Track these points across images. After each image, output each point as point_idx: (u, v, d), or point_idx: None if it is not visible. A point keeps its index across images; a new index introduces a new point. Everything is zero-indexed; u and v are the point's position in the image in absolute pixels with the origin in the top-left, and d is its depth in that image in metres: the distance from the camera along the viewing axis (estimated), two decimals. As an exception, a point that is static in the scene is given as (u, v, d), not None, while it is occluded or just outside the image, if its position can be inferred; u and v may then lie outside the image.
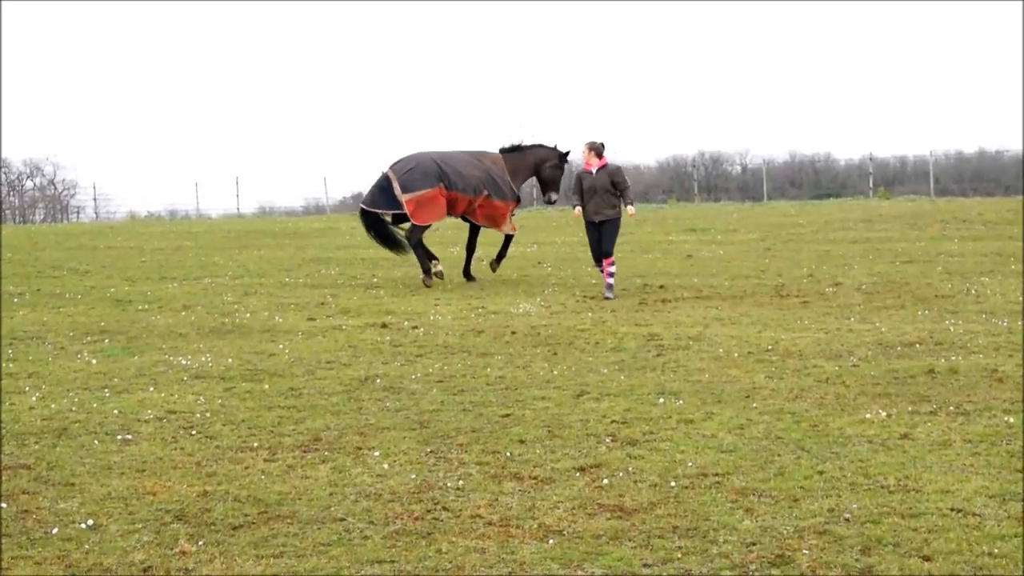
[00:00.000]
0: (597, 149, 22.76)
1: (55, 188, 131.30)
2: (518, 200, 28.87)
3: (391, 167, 28.61)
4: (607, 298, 22.68)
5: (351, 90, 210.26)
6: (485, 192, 27.53)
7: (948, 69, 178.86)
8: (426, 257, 28.22)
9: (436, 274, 28.07)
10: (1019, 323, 17.84)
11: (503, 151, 29.07)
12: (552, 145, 29.01)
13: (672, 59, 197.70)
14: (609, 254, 22.66)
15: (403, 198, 27.75)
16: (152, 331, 20.70)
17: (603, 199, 22.54)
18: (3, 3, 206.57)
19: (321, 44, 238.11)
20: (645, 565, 7.72)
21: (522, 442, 11.32)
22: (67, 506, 9.55)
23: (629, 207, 23.14)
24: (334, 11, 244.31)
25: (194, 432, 12.24)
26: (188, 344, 18.83)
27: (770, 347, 16.42)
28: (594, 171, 22.59)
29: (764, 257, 31.90)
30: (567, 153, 28.73)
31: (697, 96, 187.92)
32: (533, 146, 28.85)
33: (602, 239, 22.74)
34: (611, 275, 22.90)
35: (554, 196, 29.14)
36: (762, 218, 54.96)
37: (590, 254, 23.37)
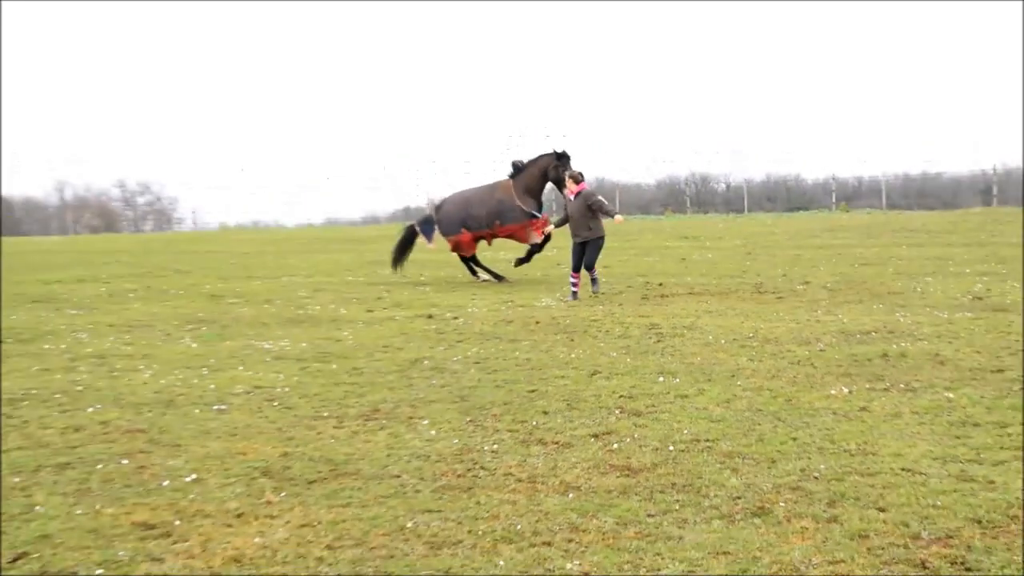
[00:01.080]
0: (575, 177, 22.68)
1: (161, 203, 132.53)
2: (533, 215, 28.05)
3: (435, 211, 29.33)
4: (595, 290, 23.00)
5: (402, 117, 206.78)
6: (497, 222, 28.08)
7: (894, 104, 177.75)
8: (477, 270, 29.19)
9: (486, 279, 28.55)
10: (957, 315, 17.82)
11: (511, 176, 28.67)
12: (549, 152, 28.05)
13: (670, 94, 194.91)
14: (590, 268, 22.80)
15: (447, 239, 28.92)
16: (240, 320, 20.73)
17: (581, 222, 22.33)
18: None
19: (371, 78, 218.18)
20: (649, 515, 7.73)
21: (545, 413, 11.33)
22: (174, 463, 9.63)
23: (616, 216, 22.82)
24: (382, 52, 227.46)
25: (276, 403, 12.29)
26: (270, 331, 18.86)
27: (751, 335, 16.39)
28: (572, 197, 22.51)
29: (745, 260, 31.82)
30: (563, 152, 27.40)
31: (689, 125, 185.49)
32: (533, 160, 28.31)
33: (586, 255, 22.59)
34: (596, 276, 23.22)
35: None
36: (743, 228, 54.86)
37: (571, 269, 22.93)
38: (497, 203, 28.13)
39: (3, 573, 4.70)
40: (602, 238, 22.56)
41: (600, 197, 22.65)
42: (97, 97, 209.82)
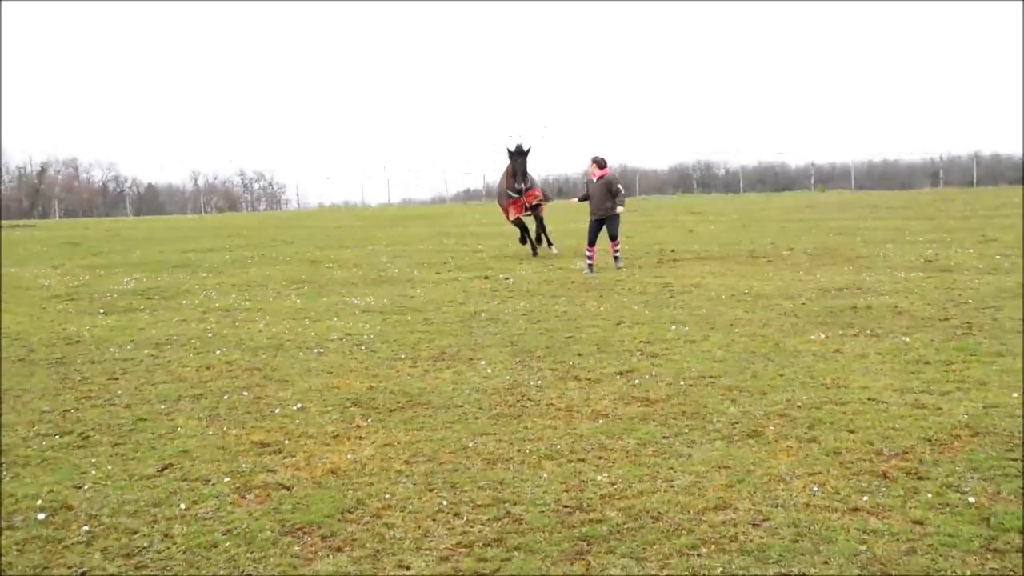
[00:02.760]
0: (599, 162, 21.24)
1: (272, 188, 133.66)
2: (513, 195, 25.71)
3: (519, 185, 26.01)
4: (618, 266, 21.29)
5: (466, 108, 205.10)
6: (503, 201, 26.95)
7: (862, 102, 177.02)
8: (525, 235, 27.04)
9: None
10: (911, 275, 17.70)
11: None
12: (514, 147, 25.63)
13: (682, 95, 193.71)
14: (614, 238, 21.25)
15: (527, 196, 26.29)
16: (334, 281, 20.78)
17: (600, 202, 20.91)
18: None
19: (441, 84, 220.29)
20: (664, 437, 7.70)
21: (579, 355, 11.29)
22: (284, 395, 9.67)
23: (619, 207, 21.09)
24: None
25: (363, 348, 12.30)
26: (358, 290, 18.89)
27: (746, 291, 16.31)
28: (595, 179, 21.09)
29: (741, 231, 31.68)
30: (517, 147, 25.17)
31: (695, 120, 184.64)
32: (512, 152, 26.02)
33: (608, 229, 21.09)
34: (617, 251, 21.53)
35: (516, 184, 25.21)
36: (739, 205, 54.67)
37: (587, 243, 21.30)
38: (501, 185, 27.14)
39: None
40: (619, 215, 21.27)
41: (620, 185, 21.38)
42: (222, 100, 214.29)
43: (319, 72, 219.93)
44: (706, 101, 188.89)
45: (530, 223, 26.79)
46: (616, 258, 21.36)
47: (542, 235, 27.02)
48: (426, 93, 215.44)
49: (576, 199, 22.28)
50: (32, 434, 8.47)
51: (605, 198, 20.65)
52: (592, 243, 20.94)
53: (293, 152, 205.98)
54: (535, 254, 26.14)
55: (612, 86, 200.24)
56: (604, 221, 20.83)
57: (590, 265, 20.88)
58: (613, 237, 20.93)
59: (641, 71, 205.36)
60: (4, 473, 7.40)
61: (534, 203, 25.54)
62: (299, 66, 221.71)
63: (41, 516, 6.42)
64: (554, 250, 26.47)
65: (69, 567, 5.61)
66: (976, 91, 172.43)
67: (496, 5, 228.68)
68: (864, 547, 5.52)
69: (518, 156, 25.31)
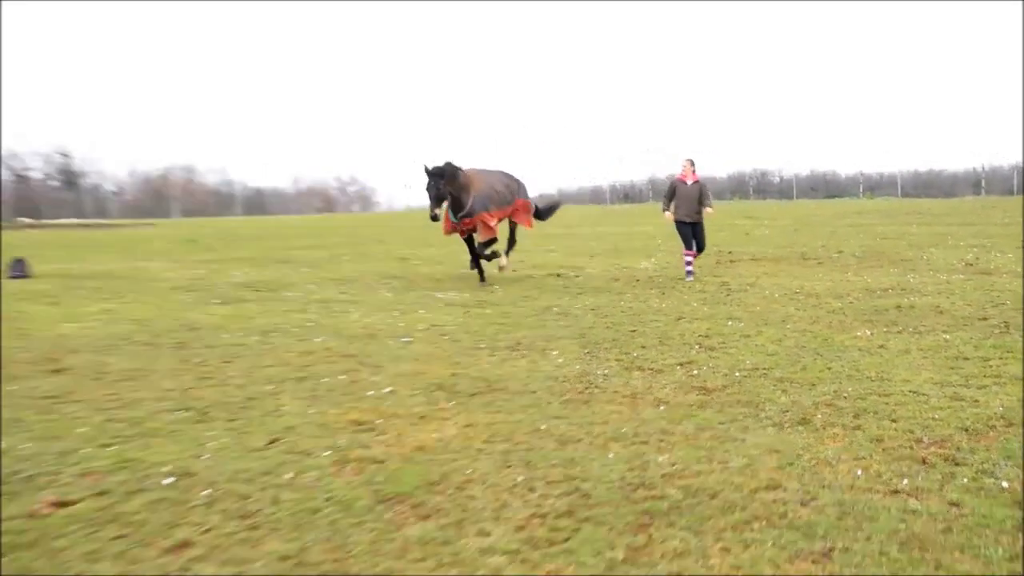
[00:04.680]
0: (692, 164, 19.38)
1: (365, 191, 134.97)
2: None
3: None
4: (688, 280, 18.66)
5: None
6: None
7: (909, 113, 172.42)
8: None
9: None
10: (953, 277, 17.52)
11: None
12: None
13: (739, 104, 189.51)
14: (703, 247, 19.50)
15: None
16: (421, 277, 20.98)
17: (692, 206, 19.02)
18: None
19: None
20: (720, 423, 7.72)
21: (643, 347, 11.31)
22: (376, 379, 9.80)
23: (709, 208, 19.43)
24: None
25: (447, 337, 12.42)
26: (442, 285, 19.07)
27: (798, 290, 16.24)
28: (688, 183, 19.19)
29: (793, 235, 31.47)
30: (432, 168, 17.88)
31: (752, 130, 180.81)
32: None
33: (696, 237, 19.14)
34: (692, 260, 19.22)
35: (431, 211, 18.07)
36: (792, 211, 54.15)
37: (683, 246, 19.61)
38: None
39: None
40: (703, 221, 19.49)
41: (708, 191, 19.75)
42: (322, 110, 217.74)
43: (400, 86, 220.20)
44: (763, 112, 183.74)
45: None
46: (690, 271, 19.21)
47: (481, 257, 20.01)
48: (492, 104, 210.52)
49: (663, 203, 19.83)
50: (158, 409, 8.67)
51: (696, 202, 19.15)
52: (689, 246, 19.25)
53: (380, 159, 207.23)
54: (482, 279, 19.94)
55: (678, 99, 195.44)
56: (694, 225, 19.21)
57: (689, 272, 19.14)
58: (702, 246, 19.47)
59: (705, 85, 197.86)
60: (136, 442, 7.62)
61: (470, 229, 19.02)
62: (382, 81, 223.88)
63: (168, 481, 6.62)
64: (503, 261, 20.55)
65: (193, 525, 5.79)
66: (1017, 103, 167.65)
67: (558, 9, 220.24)
68: (903, 525, 5.52)
69: (430, 177, 18.18)
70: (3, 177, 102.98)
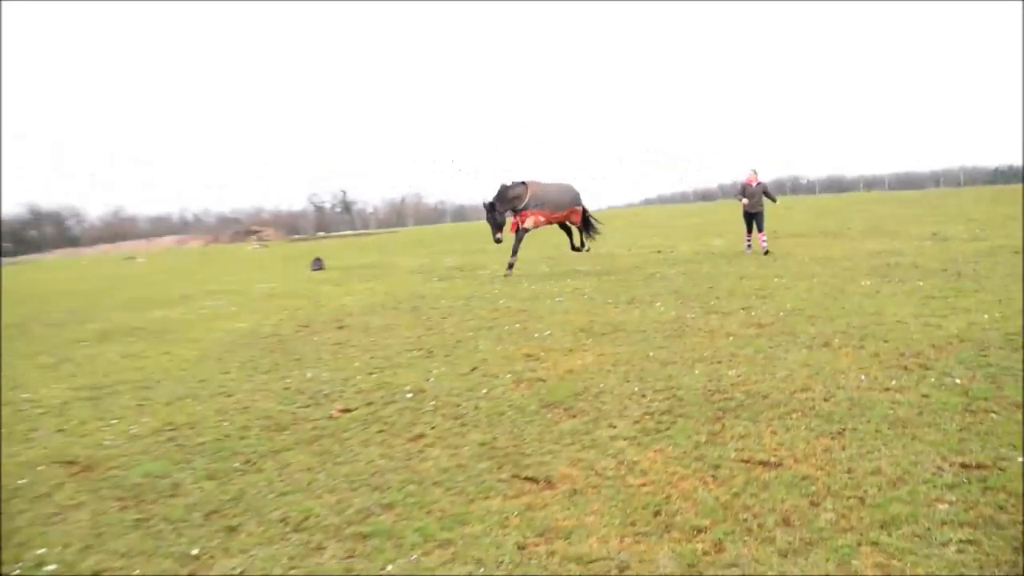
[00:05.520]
0: (755, 172, 18.26)
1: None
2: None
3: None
4: (765, 253, 17.39)
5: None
6: None
7: (904, 119, 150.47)
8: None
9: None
10: (925, 243, 16.68)
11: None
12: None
13: (775, 116, 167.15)
14: (762, 230, 18.15)
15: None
16: (568, 256, 20.79)
17: (756, 201, 18.06)
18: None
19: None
20: (769, 347, 7.51)
21: (717, 298, 11.00)
22: (539, 326, 9.78)
23: (774, 201, 18.54)
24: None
25: (585, 296, 12.31)
26: (583, 261, 18.84)
27: (821, 256, 15.67)
28: (753, 185, 18.17)
29: (817, 218, 30.40)
30: (486, 202, 15.93)
31: (787, 140, 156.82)
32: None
33: (757, 222, 18.15)
34: (764, 240, 18.04)
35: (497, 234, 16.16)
36: (816, 202, 51.97)
37: (744, 228, 18.69)
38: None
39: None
40: (763, 211, 18.38)
41: (770, 189, 18.68)
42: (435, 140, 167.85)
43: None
44: (794, 126, 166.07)
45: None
46: (765, 245, 18.02)
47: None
48: (491, 105, 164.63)
49: (739, 197, 18.67)
50: (401, 350, 8.90)
51: (760, 198, 18.24)
52: (749, 231, 18.50)
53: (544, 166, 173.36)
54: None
55: (677, 100, 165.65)
56: (755, 216, 18.34)
57: (749, 244, 18.50)
58: (761, 229, 18.33)
59: (746, 98, 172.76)
60: (389, 372, 7.85)
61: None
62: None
63: (409, 395, 6.81)
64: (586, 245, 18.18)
65: (425, 423, 5.95)
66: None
67: (558, 10, 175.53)
68: (892, 411, 5.39)
69: (487, 210, 16.10)
70: (309, 208, 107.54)
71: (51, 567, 3.99)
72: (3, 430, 6.69)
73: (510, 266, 16.67)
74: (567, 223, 17.56)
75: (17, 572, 3.97)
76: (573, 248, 17.94)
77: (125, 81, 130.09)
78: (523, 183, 16.13)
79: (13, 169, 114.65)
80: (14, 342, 12.06)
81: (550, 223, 16.93)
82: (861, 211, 33.87)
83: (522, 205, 16.01)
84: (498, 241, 15.17)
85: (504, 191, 15.81)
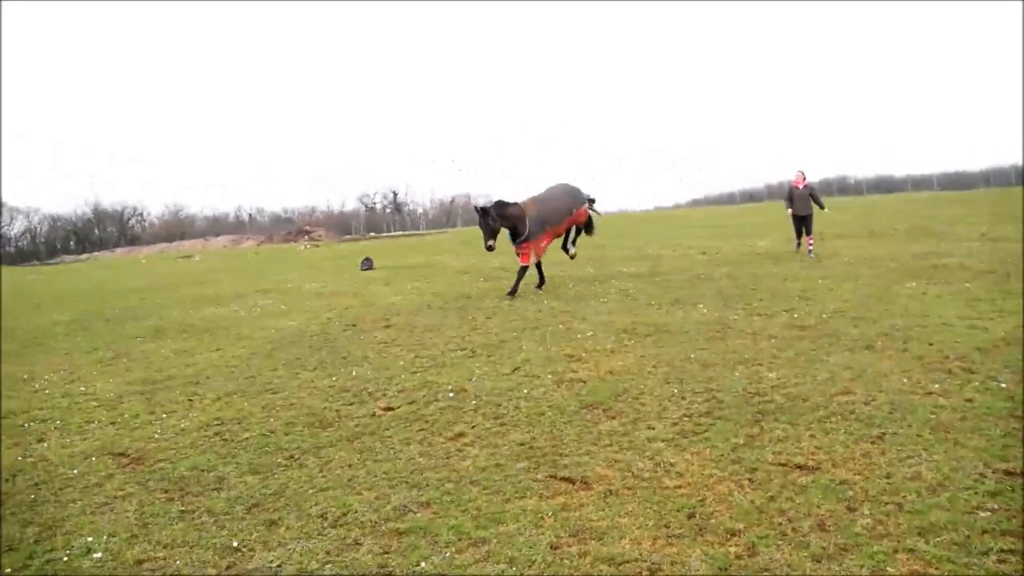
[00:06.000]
0: (804, 174, 18.00)
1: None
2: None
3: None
4: (811, 258, 16.71)
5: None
6: None
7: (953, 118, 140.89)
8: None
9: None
10: (973, 244, 16.25)
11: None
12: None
13: (822, 120, 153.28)
14: (810, 232, 17.69)
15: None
16: (611, 258, 20.69)
17: (805, 204, 17.70)
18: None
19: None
20: (811, 349, 7.41)
21: (760, 300, 10.86)
22: (581, 327, 9.78)
23: (822, 208, 18.29)
24: None
25: (629, 298, 12.24)
26: (628, 263, 18.76)
27: (866, 256, 15.37)
28: (800, 187, 17.87)
29: (863, 219, 29.72)
30: (479, 206, 13.29)
31: (833, 141, 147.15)
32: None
33: (805, 225, 17.68)
34: (811, 244, 17.53)
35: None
36: (863, 203, 51.00)
37: (793, 233, 18.59)
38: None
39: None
40: (812, 215, 17.98)
41: (818, 192, 18.37)
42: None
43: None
44: (841, 125, 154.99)
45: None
46: (810, 250, 17.43)
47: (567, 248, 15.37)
48: (491, 105, 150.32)
49: (786, 203, 18.43)
50: (446, 349, 8.96)
51: (807, 201, 17.87)
52: (799, 234, 18.09)
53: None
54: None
55: (679, 102, 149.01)
56: (803, 219, 17.89)
57: (798, 244, 18.18)
58: (809, 232, 17.81)
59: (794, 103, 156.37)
60: (432, 371, 7.91)
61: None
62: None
63: (451, 395, 6.87)
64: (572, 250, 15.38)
65: (465, 423, 5.99)
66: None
67: (558, 10, 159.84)
68: (934, 416, 5.29)
69: (480, 215, 13.36)
70: (360, 208, 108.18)
71: (98, 555, 4.14)
72: (59, 422, 6.93)
73: (513, 292, 13.72)
74: (575, 226, 15.03)
75: (65, 558, 4.12)
76: (564, 249, 15.22)
77: (125, 81, 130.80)
78: (517, 204, 13.77)
79: (13, 169, 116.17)
80: (75, 338, 12.44)
81: (556, 237, 14.54)
82: (909, 211, 33.16)
83: (524, 235, 13.66)
84: (490, 249, 13.14)
85: (502, 207, 13.54)
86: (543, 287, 14.22)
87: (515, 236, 13.86)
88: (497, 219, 13.23)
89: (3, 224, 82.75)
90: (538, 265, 14.42)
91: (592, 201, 15.19)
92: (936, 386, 5.97)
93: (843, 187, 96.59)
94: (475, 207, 13.66)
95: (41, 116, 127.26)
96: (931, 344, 7.36)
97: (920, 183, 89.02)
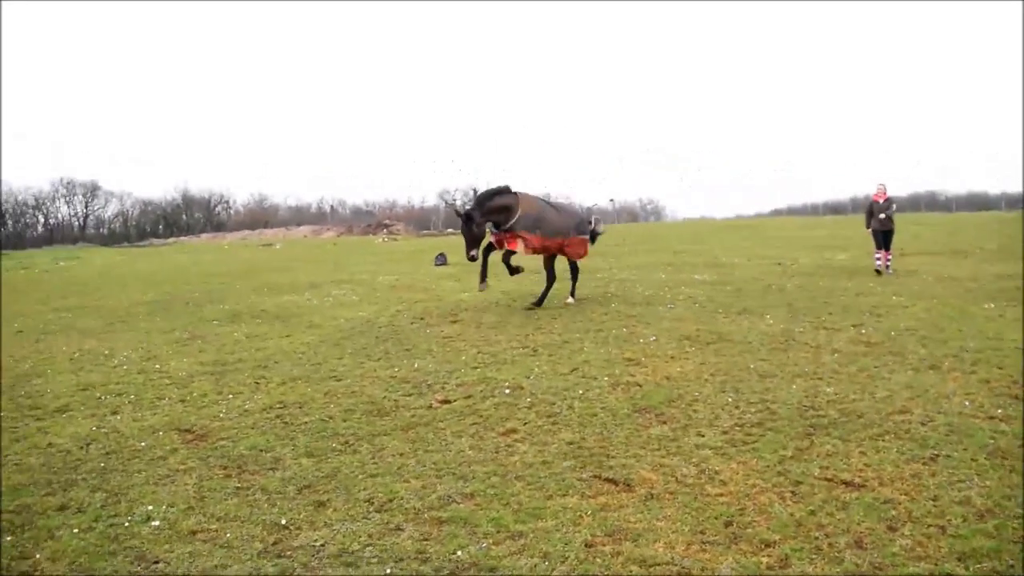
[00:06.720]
0: (885, 188, 17.12)
1: (655, 205, 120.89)
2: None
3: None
4: (888, 274, 16.31)
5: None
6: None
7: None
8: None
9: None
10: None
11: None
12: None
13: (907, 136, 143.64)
14: (889, 248, 16.91)
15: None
16: (686, 264, 20.50)
17: (886, 219, 16.72)
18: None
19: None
20: (874, 367, 7.26)
21: (830, 313, 10.65)
22: (646, 331, 9.75)
23: (892, 227, 17.04)
24: None
25: (697, 305, 12.15)
26: (699, 270, 18.57)
27: (946, 275, 14.89)
28: (881, 201, 17.04)
29: (949, 237, 28.69)
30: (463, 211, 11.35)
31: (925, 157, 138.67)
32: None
33: (886, 241, 16.85)
34: (889, 260, 16.84)
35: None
36: (951, 220, 49.04)
37: (874, 247, 17.24)
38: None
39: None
40: (893, 230, 17.17)
41: (895, 206, 17.43)
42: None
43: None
44: (926, 139, 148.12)
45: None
46: (887, 267, 16.84)
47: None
48: (491, 105, 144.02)
49: (866, 220, 17.64)
50: (508, 347, 9.05)
51: (889, 213, 17.03)
52: (879, 248, 17.09)
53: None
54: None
55: (681, 103, 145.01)
56: (885, 234, 17.02)
57: (877, 268, 16.85)
58: (888, 247, 17.10)
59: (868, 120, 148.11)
60: (492, 367, 8.03)
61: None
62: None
63: (507, 391, 6.98)
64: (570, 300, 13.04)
65: (518, 419, 6.10)
66: None
67: (558, 10, 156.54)
68: (992, 441, 5.13)
69: (462, 220, 11.42)
70: (441, 207, 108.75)
71: (156, 523, 4.40)
72: (133, 396, 7.31)
73: (513, 272, 12.27)
74: (561, 253, 12.72)
75: (127, 523, 4.39)
76: (508, 267, 12.22)
77: (125, 81, 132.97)
78: (511, 192, 11.93)
79: (13, 169, 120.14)
80: (155, 318, 13.03)
81: (541, 252, 12.31)
82: (997, 230, 31.82)
83: (510, 223, 11.78)
84: (472, 259, 11.41)
85: (485, 199, 11.66)
86: (485, 285, 12.20)
87: (497, 227, 11.94)
88: (482, 223, 11.47)
89: (97, 207, 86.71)
90: (503, 260, 12.09)
91: (596, 234, 13.63)
92: (999, 411, 5.79)
93: (931, 203, 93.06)
94: (456, 212, 11.79)
95: (120, 108, 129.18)
96: (1000, 368, 7.13)
97: (1015, 202, 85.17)
